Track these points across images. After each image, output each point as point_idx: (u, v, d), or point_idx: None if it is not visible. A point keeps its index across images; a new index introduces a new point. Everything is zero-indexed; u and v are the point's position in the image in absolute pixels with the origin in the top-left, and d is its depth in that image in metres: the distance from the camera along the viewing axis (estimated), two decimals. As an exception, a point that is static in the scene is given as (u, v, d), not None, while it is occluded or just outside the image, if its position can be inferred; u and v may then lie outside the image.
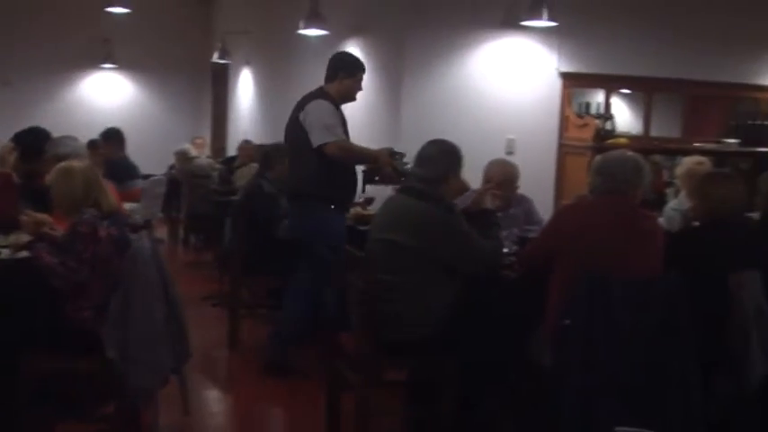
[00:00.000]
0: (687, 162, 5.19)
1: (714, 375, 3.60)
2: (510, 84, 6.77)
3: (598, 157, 3.77)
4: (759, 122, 7.39)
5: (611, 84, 7.07)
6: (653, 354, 3.37)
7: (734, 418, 3.65)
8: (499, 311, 3.75)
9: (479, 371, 3.77)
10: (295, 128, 4.84)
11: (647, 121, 7.28)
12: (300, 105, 4.89)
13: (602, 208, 3.60)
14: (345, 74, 4.99)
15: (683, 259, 3.58)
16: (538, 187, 5.92)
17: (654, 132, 7.33)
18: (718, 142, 7.18)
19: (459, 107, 6.56)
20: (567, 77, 6.84)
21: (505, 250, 4.00)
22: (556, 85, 6.87)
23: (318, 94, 4.92)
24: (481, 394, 3.96)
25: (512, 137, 6.70)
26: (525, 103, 6.75)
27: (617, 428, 3.30)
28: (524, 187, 4.90)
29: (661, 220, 5.13)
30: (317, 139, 4.69)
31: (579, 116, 6.86)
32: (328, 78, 5.01)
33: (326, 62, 5.05)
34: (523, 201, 4.82)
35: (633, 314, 3.31)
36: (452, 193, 3.87)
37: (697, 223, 4.03)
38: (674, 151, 7.07)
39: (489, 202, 4.01)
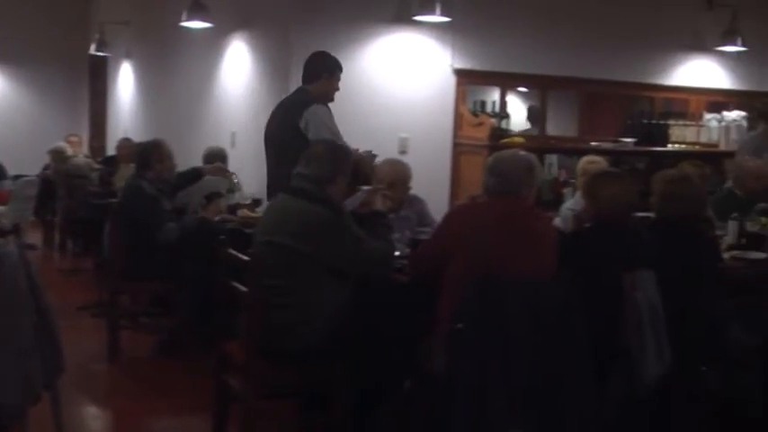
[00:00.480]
0: (581, 161, 5.34)
1: (609, 375, 3.72)
2: (403, 80, 6.81)
3: (490, 158, 3.84)
4: (654, 122, 7.67)
5: (506, 81, 7.20)
6: (546, 356, 3.44)
7: (628, 417, 3.78)
8: (390, 316, 3.77)
9: (371, 377, 3.79)
10: (292, 134, 4.94)
11: (542, 120, 7.44)
12: (294, 110, 5.02)
13: (495, 209, 3.66)
14: (328, 74, 5.18)
15: (575, 260, 3.68)
16: (432, 187, 6.01)
17: (550, 131, 7.51)
18: (615, 141, 7.40)
19: (350, 104, 6.54)
20: (462, 74, 6.93)
21: (397, 253, 4.03)
22: (450, 82, 6.95)
23: (309, 97, 5.07)
24: (374, 401, 3.99)
25: (405, 135, 6.76)
26: (419, 101, 6.81)
27: (510, 433, 3.39)
28: (418, 187, 4.95)
29: (557, 221, 5.28)
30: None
31: (474, 114, 6.95)
32: (309, 79, 5.17)
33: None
34: (416, 202, 4.88)
35: (526, 316, 3.37)
36: (341, 193, 3.87)
37: (588, 224, 4.15)
38: (570, 150, 7.27)
39: (380, 204, 4.04)
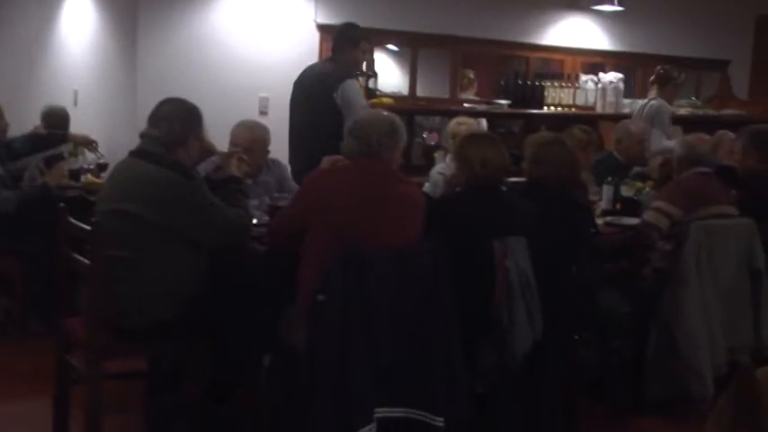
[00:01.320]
0: (451, 123, 5.44)
1: (479, 346, 3.84)
2: (262, 37, 6.74)
3: (350, 119, 3.85)
4: (529, 83, 7.86)
5: (376, 38, 7.20)
6: (414, 327, 3.52)
7: (499, 389, 3.91)
8: (248, 288, 3.78)
9: (228, 354, 3.79)
10: (325, 106, 5.32)
11: (412, 80, 7.51)
12: (328, 82, 5.39)
13: (357, 173, 3.68)
14: (350, 44, 5.60)
15: (444, 226, 3.76)
16: (295, 151, 6.02)
17: (421, 92, 7.58)
18: (489, 103, 7.55)
19: (204, 63, 6.48)
20: (326, 30, 6.87)
21: (254, 221, 4.04)
22: (314, 38, 6.92)
23: (342, 70, 5.49)
24: (231, 379, 4.00)
25: (265, 95, 6.72)
26: (280, 59, 6.75)
27: (377, 410, 3.45)
28: (280, 151, 4.96)
29: (427, 185, 5.38)
30: None
31: (341, 73, 6.95)
32: (335, 48, 5.66)
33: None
34: (276, 166, 4.87)
35: (392, 285, 3.44)
36: (192, 157, 3.83)
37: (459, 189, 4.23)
38: (442, 112, 7.38)
39: (235, 168, 4.03)
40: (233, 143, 4.54)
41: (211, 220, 3.68)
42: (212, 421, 3.85)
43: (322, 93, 5.39)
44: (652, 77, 7.50)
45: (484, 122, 7.09)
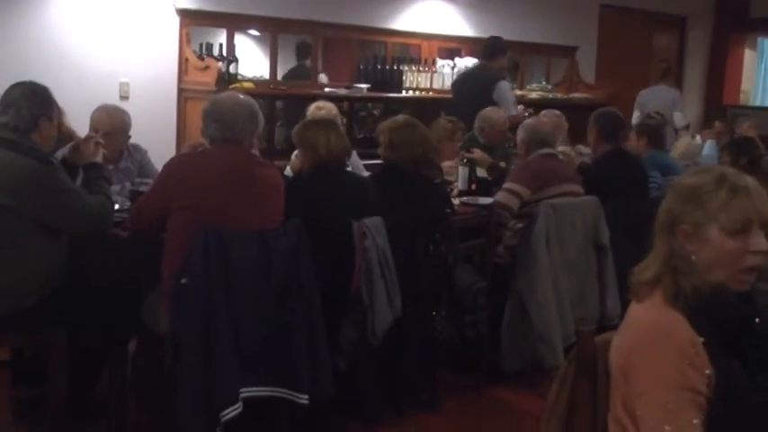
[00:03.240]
0: (311, 107, 5.43)
1: (341, 324, 3.88)
2: (122, 22, 6.57)
3: (208, 103, 3.79)
4: (388, 67, 7.93)
5: (233, 23, 7.14)
6: (276, 307, 3.53)
7: (361, 364, 3.97)
8: (110, 274, 3.72)
9: (93, 340, 3.73)
10: (485, 102, 6.56)
11: (273, 65, 7.48)
12: (487, 82, 6.98)
13: (218, 157, 3.67)
14: (502, 54, 7.34)
15: (303, 208, 3.78)
16: (157, 136, 5.94)
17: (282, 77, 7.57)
18: (349, 87, 7.58)
19: (60, 46, 6.27)
20: (186, 14, 6.79)
21: (116, 207, 3.97)
22: (173, 22, 6.78)
23: (495, 72, 7.16)
24: (96, 365, 3.94)
25: (125, 80, 6.58)
26: (139, 43, 6.61)
27: (243, 390, 3.45)
28: (141, 136, 4.87)
29: (288, 169, 5.37)
30: (513, 111, 6.89)
31: (200, 58, 6.87)
32: (490, 56, 7.31)
33: None
34: (136, 152, 4.79)
35: (254, 267, 3.45)
36: (48, 140, 3.71)
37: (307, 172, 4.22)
38: (302, 96, 7.37)
39: (95, 154, 3.94)
40: (93, 128, 4.42)
41: (71, 206, 3.58)
42: (78, 407, 3.79)
43: (481, 91, 6.84)
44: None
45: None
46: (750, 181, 2.14)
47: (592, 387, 2.23)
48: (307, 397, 3.55)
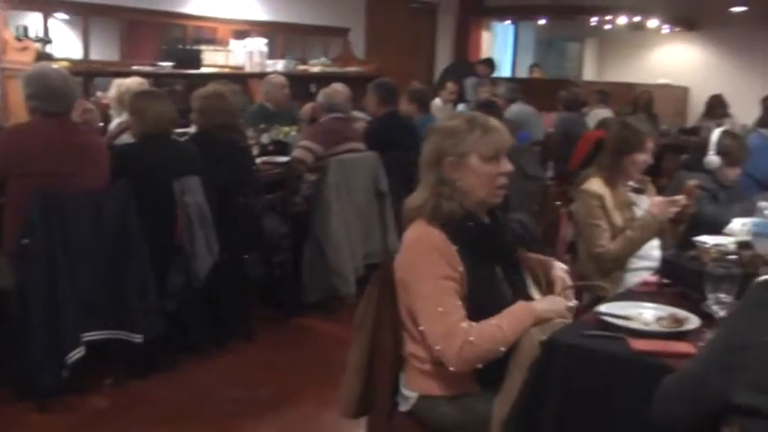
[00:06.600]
0: (125, 83, 5.21)
1: (168, 271, 3.80)
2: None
3: (26, 75, 3.55)
4: (188, 47, 7.71)
5: (47, 7, 6.72)
6: (110, 260, 3.44)
7: (187, 305, 3.91)
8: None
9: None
10: None
11: (86, 46, 7.11)
12: None
13: (47, 126, 3.46)
14: None
15: (128, 172, 3.65)
16: (-19, 113, 5.52)
17: (94, 56, 7.20)
18: (154, 65, 7.32)
19: None
20: None
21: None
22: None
23: None
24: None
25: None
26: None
27: (83, 335, 3.34)
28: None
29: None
30: None
31: (18, 39, 6.42)
32: None
33: None
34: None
35: (88, 225, 3.34)
36: None
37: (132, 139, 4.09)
38: (114, 74, 7.04)
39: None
40: None
41: None
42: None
43: None
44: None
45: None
46: (494, 121, 2.32)
47: (392, 304, 2.31)
48: (141, 336, 3.52)
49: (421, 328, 2.18)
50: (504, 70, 12.28)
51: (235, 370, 4.01)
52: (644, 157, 3.30)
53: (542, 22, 11.95)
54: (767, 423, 1.37)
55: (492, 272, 2.28)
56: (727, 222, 2.97)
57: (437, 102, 7.99)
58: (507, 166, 2.27)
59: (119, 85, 5.23)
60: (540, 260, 2.51)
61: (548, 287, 2.43)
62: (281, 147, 5.31)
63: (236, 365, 4.06)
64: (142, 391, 3.65)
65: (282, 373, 3.97)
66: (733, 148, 3.70)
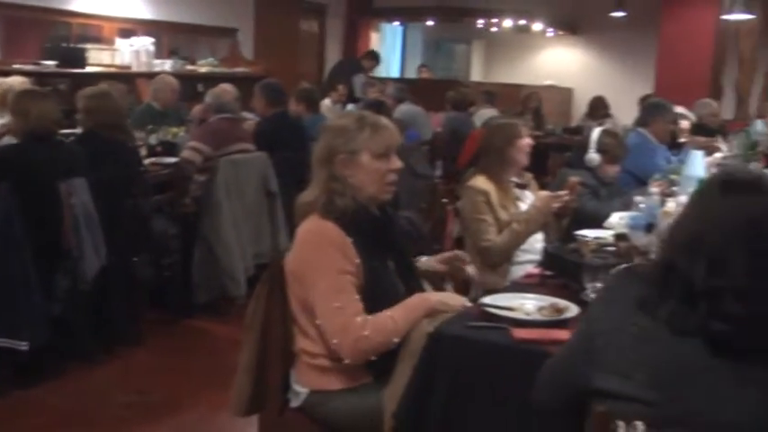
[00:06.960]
0: (7, 81, 5.02)
1: (55, 274, 3.68)
2: None
3: None
4: (72, 45, 7.46)
5: None
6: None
7: (74, 309, 3.79)
8: None
9: None
10: None
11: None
12: None
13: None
14: None
15: (12, 173, 3.52)
16: None
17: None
18: (37, 64, 7.06)
19: None
20: None
21: None
22: None
23: None
24: None
25: None
26: None
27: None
28: None
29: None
30: None
31: None
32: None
33: None
34: None
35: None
36: None
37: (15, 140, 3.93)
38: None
39: None
40: None
41: None
42: None
43: None
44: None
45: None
46: (384, 120, 2.36)
47: (282, 302, 2.31)
48: (26, 344, 3.40)
49: (318, 321, 2.19)
50: (393, 71, 12.41)
51: (125, 374, 3.92)
52: (526, 141, 3.41)
53: (430, 23, 12.14)
54: (626, 404, 1.45)
55: (384, 264, 2.31)
56: (608, 217, 3.09)
57: (327, 102, 8.02)
58: (397, 163, 2.32)
59: (0, 84, 5.02)
60: (444, 257, 2.61)
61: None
62: (170, 147, 5.22)
63: (127, 370, 3.97)
64: (29, 399, 3.53)
65: (174, 377, 3.90)
66: (612, 147, 3.85)
